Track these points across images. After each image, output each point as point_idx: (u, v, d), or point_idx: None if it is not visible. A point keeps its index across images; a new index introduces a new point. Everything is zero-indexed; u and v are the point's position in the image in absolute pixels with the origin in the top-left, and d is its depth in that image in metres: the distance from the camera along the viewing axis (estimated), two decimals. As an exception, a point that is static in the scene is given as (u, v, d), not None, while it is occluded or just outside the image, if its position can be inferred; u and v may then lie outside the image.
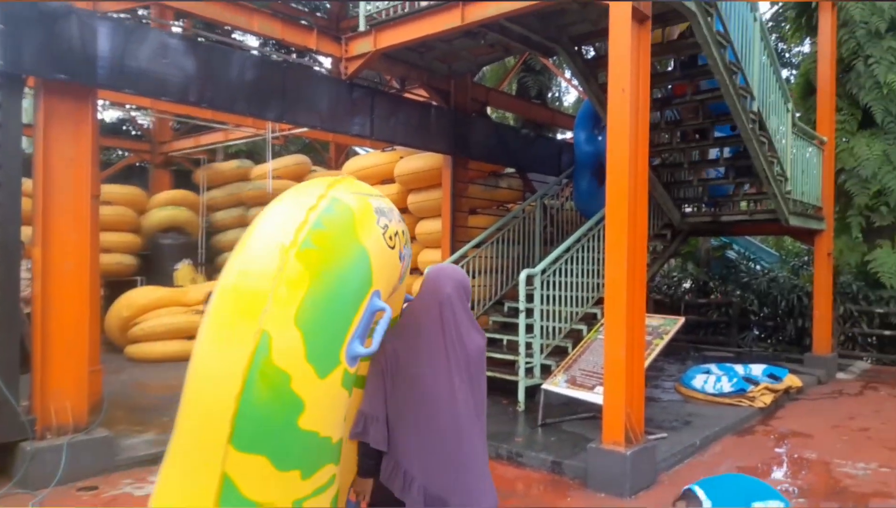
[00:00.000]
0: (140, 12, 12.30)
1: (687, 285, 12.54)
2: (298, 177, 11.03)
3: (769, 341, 10.78)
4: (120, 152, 14.61)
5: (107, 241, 9.02)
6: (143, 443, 5.04)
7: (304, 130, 8.39)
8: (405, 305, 2.49)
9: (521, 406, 6.16)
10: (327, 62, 8.79)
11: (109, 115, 13.66)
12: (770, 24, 14.24)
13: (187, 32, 8.70)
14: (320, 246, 1.85)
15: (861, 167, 9.46)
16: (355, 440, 2.23)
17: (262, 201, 10.72)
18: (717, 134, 7.44)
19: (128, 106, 11.10)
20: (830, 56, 8.74)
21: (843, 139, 9.72)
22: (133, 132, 14.45)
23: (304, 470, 1.87)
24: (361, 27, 6.04)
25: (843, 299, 9.73)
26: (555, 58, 9.95)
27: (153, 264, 10.72)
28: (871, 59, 9.45)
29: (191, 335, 8.78)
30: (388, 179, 8.86)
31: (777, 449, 5.40)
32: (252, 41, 12.64)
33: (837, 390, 7.67)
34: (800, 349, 9.69)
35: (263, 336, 1.72)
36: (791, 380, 7.15)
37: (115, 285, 9.46)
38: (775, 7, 13.29)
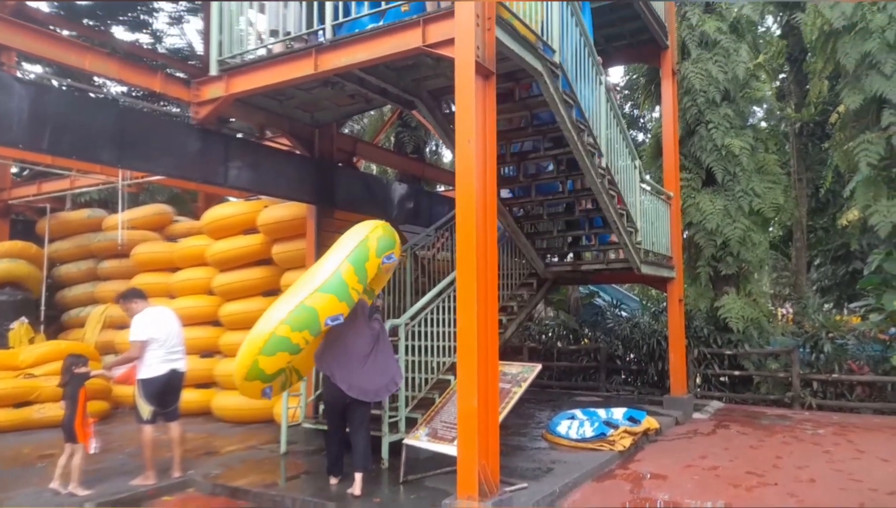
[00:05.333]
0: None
1: (559, 332, 12.91)
2: (159, 228, 10.32)
3: (635, 384, 11.25)
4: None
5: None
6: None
7: (160, 177, 7.87)
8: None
9: (385, 463, 5.92)
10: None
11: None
12: (625, 91, 15.54)
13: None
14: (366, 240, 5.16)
15: (706, 221, 10.35)
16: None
17: (114, 252, 9.90)
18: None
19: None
20: (673, 119, 9.54)
21: (691, 196, 10.61)
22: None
23: (337, 296, 4.83)
24: (213, 71, 5.83)
25: (696, 342, 10.40)
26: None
27: (-17, 323, 9.54)
28: (711, 125, 10.50)
29: (18, 403, 7.78)
30: (251, 229, 8.48)
31: (632, 493, 5.49)
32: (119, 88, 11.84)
33: (693, 430, 8.05)
34: (661, 390, 10.16)
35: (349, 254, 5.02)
36: (649, 422, 7.42)
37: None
38: (628, 76, 14.49)
